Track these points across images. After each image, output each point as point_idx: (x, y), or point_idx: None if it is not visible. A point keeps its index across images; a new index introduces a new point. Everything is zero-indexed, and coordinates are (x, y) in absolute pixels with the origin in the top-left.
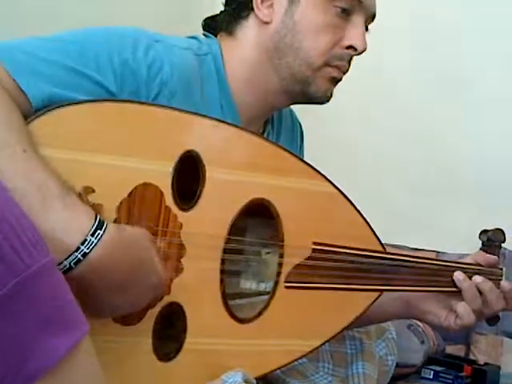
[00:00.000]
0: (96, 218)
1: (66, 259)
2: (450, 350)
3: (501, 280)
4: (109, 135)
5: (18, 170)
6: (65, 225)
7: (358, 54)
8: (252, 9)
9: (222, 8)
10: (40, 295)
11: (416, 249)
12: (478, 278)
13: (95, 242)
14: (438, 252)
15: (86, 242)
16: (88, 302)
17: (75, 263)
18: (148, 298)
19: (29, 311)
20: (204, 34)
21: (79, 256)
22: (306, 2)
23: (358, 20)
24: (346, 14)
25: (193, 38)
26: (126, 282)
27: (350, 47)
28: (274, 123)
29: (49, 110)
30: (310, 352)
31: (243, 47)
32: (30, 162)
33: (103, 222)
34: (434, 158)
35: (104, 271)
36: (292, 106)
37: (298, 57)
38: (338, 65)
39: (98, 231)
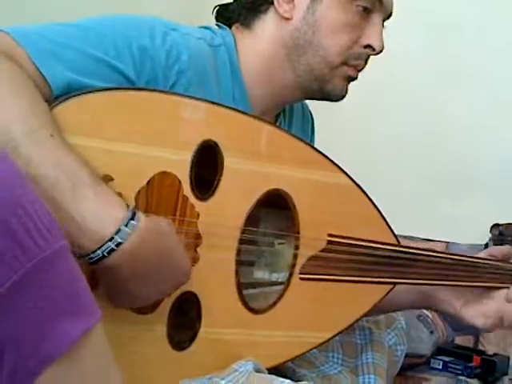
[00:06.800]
0: (128, 208)
1: (98, 248)
2: (460, 340)
3: None
4: (128, 123)
5: (47, 156)
6: (97, 214)
7: (375, 54)
8: (271, 3)
9: None
10: (54, 279)
11: (426, 239)
12: None
13: (129, 231)
14: (449, 242)
15: (120, 232)
16: (113, 292)
17: (108, 252)
18: (171, 290)
19: (43, 295)
20: (217, 25)
21: (112, 246)
22: (328, 0)
23: (376, 19)
24: (366, 12)
25: (205, 28)
26: (153, 273)
27: (367, 46)
28: (286, 113)
29: (70, 97)
30: (322, 344)
31: (260, 41)
32: (59, 149)
33: (135, 212)
34: (448, 150)
35: (134, 261)
36: None
37: (317, 54)
38: (355, 64)
39: (132, 221)
